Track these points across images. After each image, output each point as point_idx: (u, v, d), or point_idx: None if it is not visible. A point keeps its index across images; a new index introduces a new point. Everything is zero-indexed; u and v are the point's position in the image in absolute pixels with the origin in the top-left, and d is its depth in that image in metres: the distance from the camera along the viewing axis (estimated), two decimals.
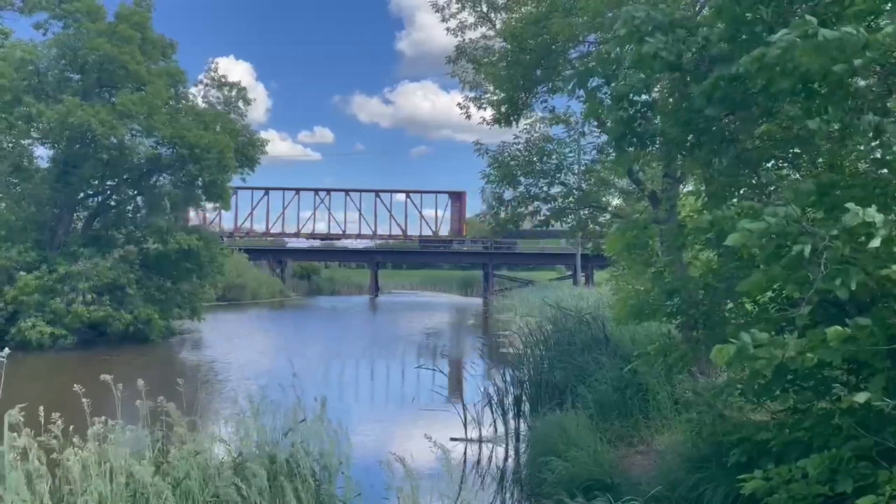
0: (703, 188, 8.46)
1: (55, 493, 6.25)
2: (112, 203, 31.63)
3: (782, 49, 4.47)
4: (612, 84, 7.56)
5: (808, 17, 4.43)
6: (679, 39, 6.02)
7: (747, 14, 5.98)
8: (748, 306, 7.51)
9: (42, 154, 30.86)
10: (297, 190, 71.82)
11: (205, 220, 50.16)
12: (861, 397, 4.71)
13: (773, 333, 5.25)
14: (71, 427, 6.78)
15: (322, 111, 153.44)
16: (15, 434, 6.29)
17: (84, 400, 6.86)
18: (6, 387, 6.60)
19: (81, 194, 30.38)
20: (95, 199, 31.47)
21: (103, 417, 6.93)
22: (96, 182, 30.37)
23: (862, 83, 5.43)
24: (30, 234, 28.13)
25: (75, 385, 7.00)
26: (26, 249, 27.12)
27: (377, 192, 71.63)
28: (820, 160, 7.39)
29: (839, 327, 4.75)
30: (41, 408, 6.63)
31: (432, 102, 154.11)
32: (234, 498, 6.35)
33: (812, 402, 6.90)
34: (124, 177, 30.55)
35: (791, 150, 7.70)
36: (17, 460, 6.14)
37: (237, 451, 7.52)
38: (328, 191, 72.56)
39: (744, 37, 5.73)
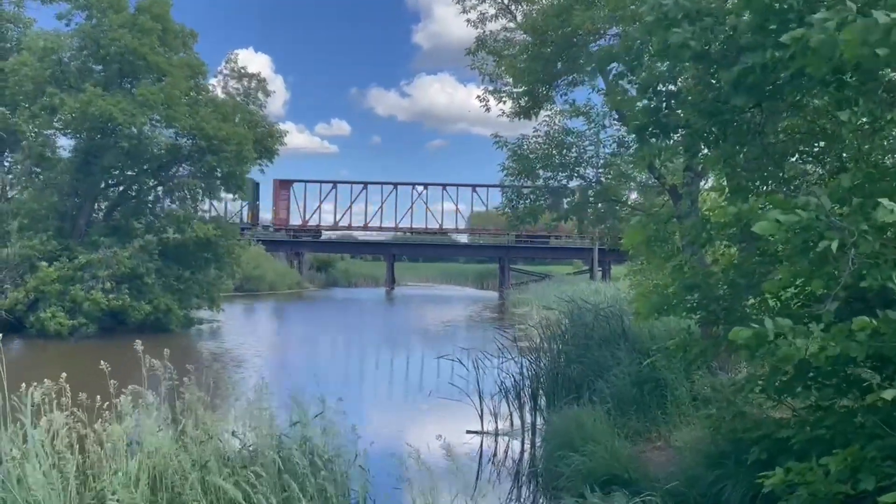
0: (725, 183, 8.38)
1: (81, 474, 6.31)
2: (132, 193, 31.87)
3: (829, 33, 4.35)
4: (636, 73, 7.47)
5: (848, 2, 4.33)
6: (706, 28, 5.93)
7: (775, 3, 5.89)
8: (770, 302, 7.43)
9: (64, 144, 31.10)
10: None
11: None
12: (889, 394, 4.64)
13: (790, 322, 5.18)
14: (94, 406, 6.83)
15: (339, 104, 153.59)
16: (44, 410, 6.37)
17: (112, 381, 6.91)
18: (25, 371, 6.66)
19: (102, 184, 30.63)
20: (116, 188, 31.72)
21: (117, 400, 6.96)
22: (117, 172, 30.58)
23: (893, 75, 5.34)
24: (51, 223, 28.39)
25: (90, 368, 7.05)
26: (48, 238, 27.40)
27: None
28: (845, 155, 7.29)
29: (865, 318, 4.68)
30: (63, 387, 6.69)
31: (449, 95, 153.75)
32: (245, 488, 6.37)
33: (834, 400, 6.82)
34: (144, 167, 30.76)
35: (816, 145, 7.60)
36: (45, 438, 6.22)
37: (249, 442, 7.52)
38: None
39: (772, 26, 5.63)
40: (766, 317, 4.88)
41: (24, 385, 6.51)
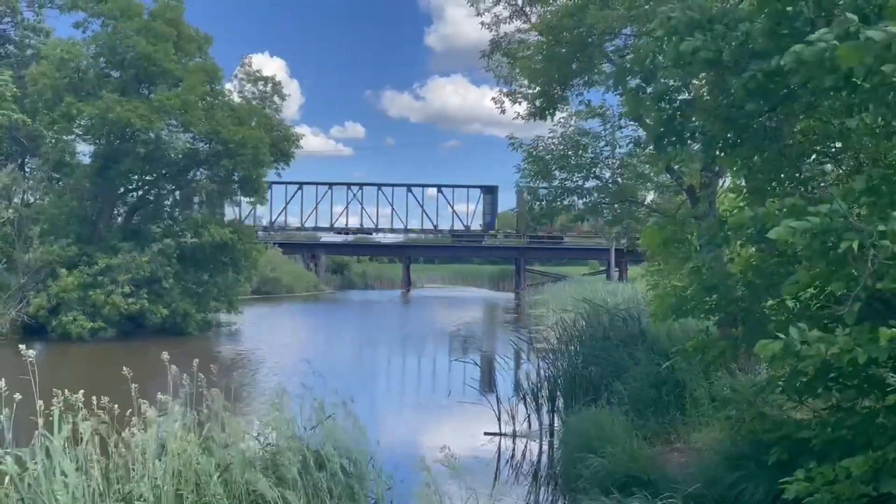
0: (742, 183, 8.33)
1: (107, 476, 6.37)
2: (150, 198, 32.16)
3: (821, 49, 4.38)
4: (651, 83, 7.47)
5: (849, 15, 4.33)
6: (718, 35, 5.93)
7: (788, 8, 5.88)
8: (789, 303, 7.39)
9: (83, 150, 31.44)
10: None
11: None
12: None
13: (816, 331, 5.16)
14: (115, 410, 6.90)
15: (353, 106, 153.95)
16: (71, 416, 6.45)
17: (134, 384, 6.98)
18: (48, 373, 6.72)
19: (121, 189, 30.92)
20: (134, 193, 32.00)
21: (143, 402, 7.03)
22: (135, 177, 30.85)
23: None
24: (72, 229, 28.70)
25: (110, 371, 7.11)
26: (69, 244, 27.71)
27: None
28: (863, 154, 7.24)
29: (888, 329, 4.65)
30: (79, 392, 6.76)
31: (462, 97, 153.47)
32: (268, 489, 6.40)
33: (855, 401, 6.78)
34: (162, 172, 31.01)
35: (833, 145, 7.56)
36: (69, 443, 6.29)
37: (268, 443, 7.56)
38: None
39: (784, 31, 5.62)
40: (791, 325, 4.86)
41: (47, 390, 6.59)
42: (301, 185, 70.49)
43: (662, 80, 6.98)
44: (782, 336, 4.79)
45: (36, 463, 6.07)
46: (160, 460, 6.38)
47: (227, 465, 6.58)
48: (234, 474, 6.49)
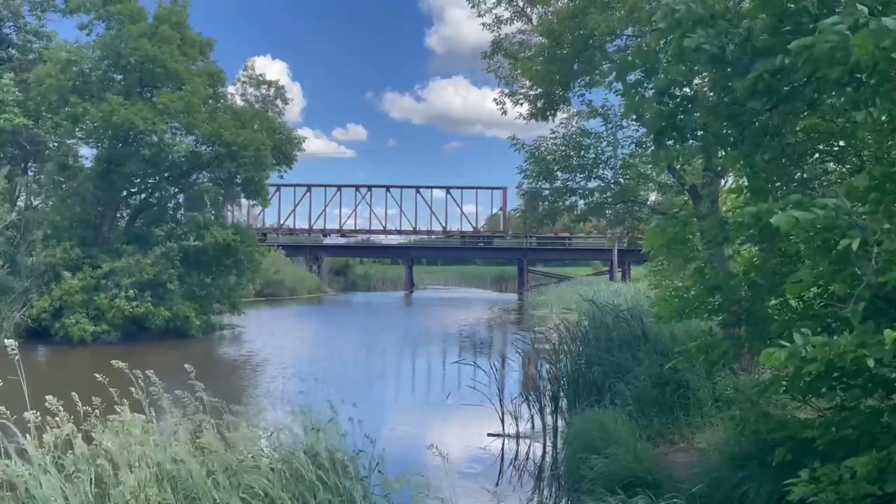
0: (744, 182, 8.33)
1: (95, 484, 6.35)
2: (153, 200, 32.19)
3: (836, 38, 4.37)
4: (653, 78, 7.46)
5: (860, 6, 4.31)
6: (721, 32, 5.92)
7: (791, 5, 5.87)
8: (792, 302, 7.38)
9: (86, 153, 31.54)
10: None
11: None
12: None
13: (819, 330, 5.16)
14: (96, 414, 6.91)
15: (355, 109, 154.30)
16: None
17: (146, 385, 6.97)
18: (48, 376, 6.71)
19: (124, 192, 30.96)
20: (138, 196, 32.04)
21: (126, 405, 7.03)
22: (138, 180, 30.90)
23: None
24: (75, 232, 28.74)
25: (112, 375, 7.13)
26: (71, 247, 27.74)
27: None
28: (866, 153, 7.23)
29: (892, 331, 4.63)
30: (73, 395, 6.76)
31: (464, 98, 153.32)
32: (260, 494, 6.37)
33: (860, 400, 6.76)
34: (165, 175, 31.07)
35: (836, 144, 7.54)
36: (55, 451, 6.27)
37: (269, 447, 7.52)
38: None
39: (787, 28, 5.61)
40: (794, 330, 4.84)
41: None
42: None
43: (664, 76, 6.97)
44: (785, 343, 4.77)
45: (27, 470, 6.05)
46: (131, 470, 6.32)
47: (213, 470, 6.53)
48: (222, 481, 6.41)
